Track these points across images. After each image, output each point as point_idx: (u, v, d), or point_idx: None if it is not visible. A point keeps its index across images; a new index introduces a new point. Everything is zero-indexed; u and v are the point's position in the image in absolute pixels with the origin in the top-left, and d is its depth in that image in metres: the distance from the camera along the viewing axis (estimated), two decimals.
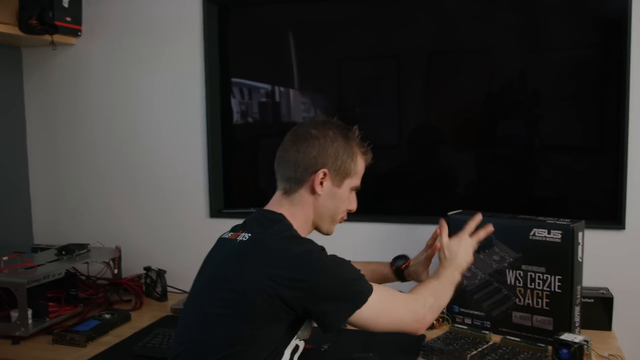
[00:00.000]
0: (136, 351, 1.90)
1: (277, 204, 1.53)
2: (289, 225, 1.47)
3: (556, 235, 1.82)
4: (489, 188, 2.36)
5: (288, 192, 1.51)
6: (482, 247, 1.96)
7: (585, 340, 1.73)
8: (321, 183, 1.49)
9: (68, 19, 2.50)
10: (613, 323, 2.01)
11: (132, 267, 2.52)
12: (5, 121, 2.67)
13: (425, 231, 2.17)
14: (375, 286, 1.43)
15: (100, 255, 2.43)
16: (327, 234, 1.58)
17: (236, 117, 2.63)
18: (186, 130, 2.54)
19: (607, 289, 2.05)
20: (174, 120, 2.56)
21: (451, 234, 2.02)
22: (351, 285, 1.40)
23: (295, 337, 1.44)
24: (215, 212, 2.54)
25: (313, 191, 1.50)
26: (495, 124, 2.35)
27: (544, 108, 2.26)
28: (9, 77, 2.69)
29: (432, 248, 1.84)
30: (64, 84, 2.69)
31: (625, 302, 2.07)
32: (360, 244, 2.34)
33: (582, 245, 1.85)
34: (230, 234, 1.49)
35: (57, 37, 2.47)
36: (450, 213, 2.06)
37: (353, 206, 1.60)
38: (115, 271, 2.46)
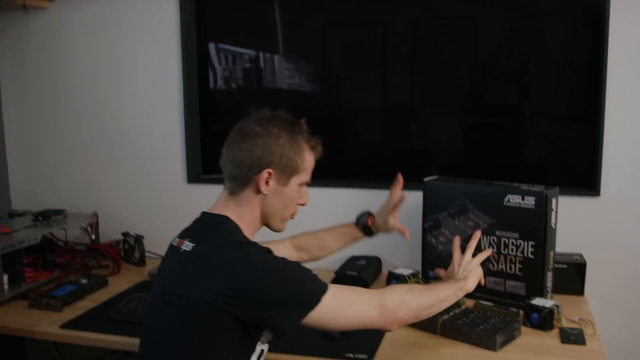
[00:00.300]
0: (111, 316, 1.91)
1: (222, 205, 1.46)
2: (233, 229, 1.41)
3: (530, 202, 1.83)
4: (471, 155, 2.36)
5: (234, 193, 1.44)
6: (457, 213, 1.98)
7: (555, 305, 1.75)
8: (267, 182, 1.42)
9: None
10: (585, 288, 2.03)
11: (110, 233, 2.52)
12: None
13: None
14: (331, 285, 1.36)
15: (77, 221, 2.42)
16: (277, 231, 1.52)
17: (220, 83, 2.61)
18: (163, 96, 2.51)
19: (580, 255, 2.07)
20: (150, 86, 2.53)
21: (428, 199, 2.05)
22: (301, 286, 1.33)
23: (259, 342, 1.42)
24: (193, 177, 2.53)
25: (258, 191, 1.42)
26: (480, 91, 2.34)
27: (531, 75, 2.25)
28: None
29: (394, 197, 1.89)
30: (37, 49, 2.65)
31: (598, 268, 2.09)
32: (340, 210, 2.33)
33: (556, 212, 1.86)
34: (177, 241, 1.43)
35: (29, 1, 2.42)
36: (426, 179, 2.06)
37: (304, 200, 1.53)
38: (93, 237, 2.45)
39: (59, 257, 2.36)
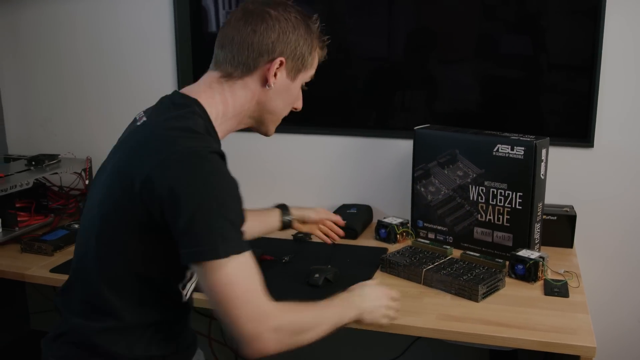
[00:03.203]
0: None
1: (204, 86, 1.28)
2: (197, 114, 1.22)
3: (519, 152, 1.80)
4: (469, 103, 2.29)
5: (230, 77, 1.27)
6: (447, 162, 1.96)
7: (541, 257, 1.74)
8: (275, 74, 1.27)
9: None
10: (575, 240, 2.01)
11: None
12: None
13: (394, 145, 2.17)
14: (248, 255, 1.12)
15: (71, 166, 2.42)
16: (266, 134, 1.38)
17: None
18: (156, 40, 2.47)
19: (571, 207, 2.04)
20: (143, 30, 2.48)
21: (418, 148, 2.02)
22: (227, 223, 1.10)
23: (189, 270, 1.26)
24: None
25: (264, 82, 1.27)
26: (485, 37, 2.25)
27: (537, 23, 2.16)
28: None
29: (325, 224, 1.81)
30: None
31: (588, 220, 2.08)
32: (334, 157, 2.33)
33: (546, 163, 1.83)
34: (139, 115, 1.31)
35: None
36: (416, 127, 2.03)
37: (299, 104, 1.38)
38: (87, 182, 2.46)
39: (53, 202, 2.38)
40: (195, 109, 1.23)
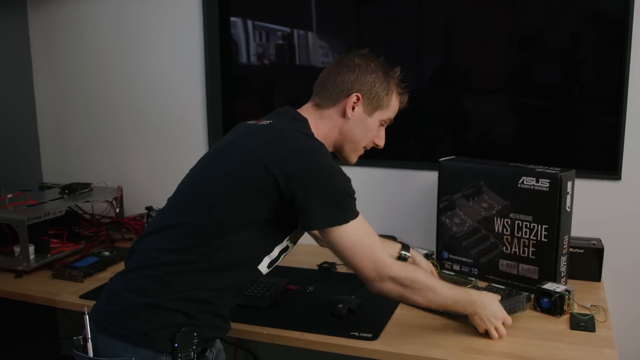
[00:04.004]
0: None
1: (305, 110, 1.55)
2: (308, 128, 1.49)
3: (544, 184, 1.80)
4: (499, 135, 2.30)
5: (319, 106, 1.54)
6: (472, 194, 1.96)
7: (567, 290, 1.72)
8: (353, 107, 1.51)
9: None
10: (603, 274, 1.98)
11: (134, 207, 2.58)
12: (12, 62, 2.71)
13: (419, 176, 2.17)
14: (360, 216, 1.42)
15: (102, 195, 2.49)
16: (347, 160, 1.59)
17: (253, 59, 2.61)
18: (186, 71, 2.54)
19: (599, 240, 2.02)
20: (174, 62, 2.56)
21: (443, 179, 2.02)
22: (343, 198, 1.38)
23: (288, 237, 1.48)
24: None
25: (343, 113, 1.52)
26: (517, 68, 2.26)
27: (567, 55, 2.16)
28: (14, 17, 2.71)
29: None
30: (66, 25, 2.70)
31: (617, 253, 2.05)
32: (361, 188, 2.33)
33: (572, 195, 1.82)
34: (252, 121, 1.53)
35: None
36: (441, 159, 2.04)
37: (381, 141, 1.60)
38: (118, 210, 2.52)
39: (85, 229, 2.44)
40: (308, 125, 1.51)
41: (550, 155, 2.18)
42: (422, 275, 1.49)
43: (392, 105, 1.57)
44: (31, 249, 2.11)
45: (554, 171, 1.80)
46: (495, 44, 2.26)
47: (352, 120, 1.52)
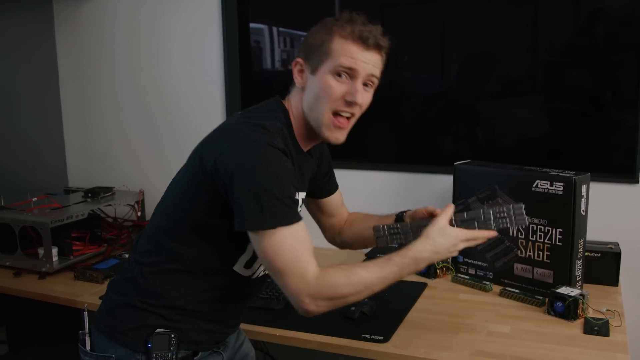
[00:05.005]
0: None
1: (287, 100, 1.45)
2: (275, 111, 1.39)
3: (558, 188, 1.78)
4: (515, 139, 2.29)
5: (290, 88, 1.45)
6: (486, 198, 1.95)
7: (581, 295, 1.71)
8: (300, 75, 1.39)
9: None
10: (620, 278, 1.96)
11: None
12: (40, 72, 2.79)
13: (434, 180, 2.18)
14: (301, 224, 1.26)
15: (124, 198, 2.54)
16: (326, 138, 1.39)
17: (277, 65, 2.64)
18: (205, 78, 2.58)
19: (616, 244, 1.99)
20: (194, 67, 2.60)
21: (458, 183, 2.02)
22: (273, 200, 1.22)
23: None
24: None
25: (300, 88, 1.39)
26: (542, 72, 2.25)
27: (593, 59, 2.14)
28: (41, 26, 2.78)
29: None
30: (92, 33, 2.77)
31: (635, 257, 2.02)
32: (376, 191, 2.35)
33: (587, 199, 1.80)
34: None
35: None
36: (456, 163, 2.04)
37: (352, 97, 1.34)
38: (139, 213, 2.56)
39: (107, 232, 2.49)
40: (281, 107, 1.41)
41: (567, 158, 2.17)
42: (343, 280, 1.29)
43: (336, 50, 1.32)
44: (54, 251, 2.16)
45: (568, 175, 1.79)
46: (518, 48, 2.26)
47: (307, 88, 1.37)
